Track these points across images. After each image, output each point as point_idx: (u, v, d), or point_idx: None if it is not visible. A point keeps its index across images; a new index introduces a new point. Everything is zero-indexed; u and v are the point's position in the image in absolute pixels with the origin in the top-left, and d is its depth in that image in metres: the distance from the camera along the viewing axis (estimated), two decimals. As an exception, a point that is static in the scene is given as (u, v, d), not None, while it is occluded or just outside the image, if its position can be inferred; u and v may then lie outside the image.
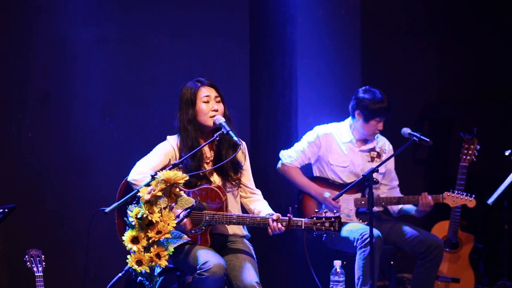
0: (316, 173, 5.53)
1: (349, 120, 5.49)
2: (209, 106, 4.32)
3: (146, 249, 3.75)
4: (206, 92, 4.34)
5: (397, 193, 5.52)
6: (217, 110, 4.32)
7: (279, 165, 5.51)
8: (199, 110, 4.33)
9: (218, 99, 4.36)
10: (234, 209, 4.36)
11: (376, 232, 5.03)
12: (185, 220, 4.08)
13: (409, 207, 5.42)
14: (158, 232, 3.74)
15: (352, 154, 5.45)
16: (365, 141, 5.49)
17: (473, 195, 5.28)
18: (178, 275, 4.47)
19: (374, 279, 4.95)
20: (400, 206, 5.46)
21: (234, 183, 4.38)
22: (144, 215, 3.72)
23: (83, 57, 5.52)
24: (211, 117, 4.31)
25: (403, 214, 5.49)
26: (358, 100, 5.36)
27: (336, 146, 5.45)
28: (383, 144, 5.54)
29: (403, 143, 4.98)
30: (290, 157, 5.47)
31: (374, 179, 5.21)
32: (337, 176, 5.44)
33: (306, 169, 5.54)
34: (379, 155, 5.48)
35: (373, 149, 5.49)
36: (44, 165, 5.45)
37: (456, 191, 5.32)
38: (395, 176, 5.55)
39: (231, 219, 4.22)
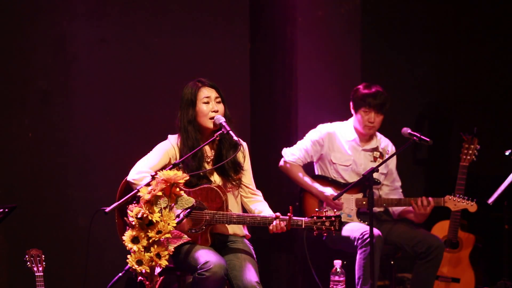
0: (318, 171, 5.53)
1: (352, 119, 5.49)
2: (209, 107, 4.32)
3: (146, 249, 3.74)
4: (206, 93, 4.34)
5: (399, 194, 5.51)
6: (217, 111, 4.32)
7: (281, 162, 5.51)
8: (199, 110, 4.33)
9: (219, 99, 4.36)
10: (234, 209, 4.36)
11: (376, 231, 5.03)
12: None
13: (409, 209, 5.41)
14: (158, 232, 3.73)
15: (355, 154, 5.44)
16: (368, 140, 5.48)
17: (475, 199, 5.26)
18: (178, 275, 4.47)
19: (374, 279, 4.95)
20: (400, 210, 5.45)
21: (234, 183, 4.38)
22: (144, 215, 3.72)
23: (83, 57, 5.51)
24: (211, 118, 4.31)
25: (403, 217, 5.49)
26: (353, 91, 5.39)
27: (339, 145, 5.45)
28: (386, 145, 5.54)
29: (403, 143, 4.98)
30: (292, 155, 5.46)
31: (375, 179, 5.20)
32: (339, 175, 5.44)
33: (308, 168, 5.54)
34: (381, 156, 5.47)
35: (376, 149, 5.48)
36: (44, 165, 5.44)
37: (457, 195, 5.30)
38: (397, 177, 5.54)
39: (231, 219, 4.22)
